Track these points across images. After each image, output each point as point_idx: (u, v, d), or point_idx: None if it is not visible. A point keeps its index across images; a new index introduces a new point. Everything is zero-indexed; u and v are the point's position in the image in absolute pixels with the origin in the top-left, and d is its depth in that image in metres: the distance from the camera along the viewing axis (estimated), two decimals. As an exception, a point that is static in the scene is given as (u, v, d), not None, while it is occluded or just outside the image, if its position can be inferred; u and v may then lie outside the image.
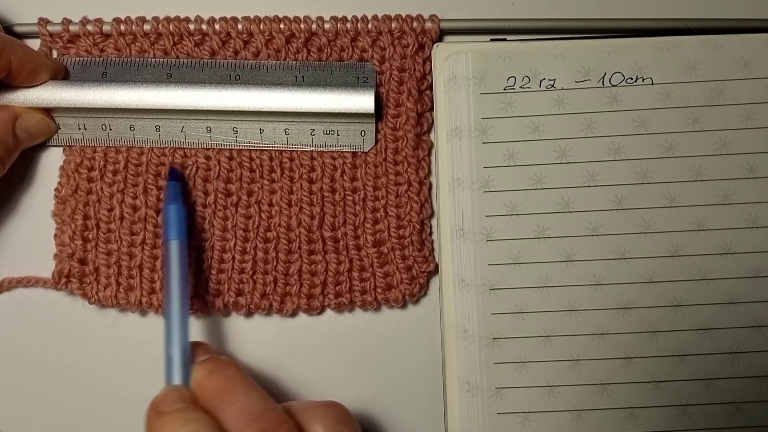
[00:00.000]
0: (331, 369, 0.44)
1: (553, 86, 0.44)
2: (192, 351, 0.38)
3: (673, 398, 0.42)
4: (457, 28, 0.46)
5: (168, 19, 0.45)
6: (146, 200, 0.44)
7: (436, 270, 0.44)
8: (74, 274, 0.43)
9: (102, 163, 0.45)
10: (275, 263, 0.44)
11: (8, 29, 0.45)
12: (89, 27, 0.45)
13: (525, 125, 0.43)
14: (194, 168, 0.45)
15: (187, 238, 0.41)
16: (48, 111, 0.44)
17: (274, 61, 0.45)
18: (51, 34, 0.45)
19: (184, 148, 0.45)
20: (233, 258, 0.44)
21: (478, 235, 0.43)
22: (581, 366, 0.42)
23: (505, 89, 0.44)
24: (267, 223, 0.44)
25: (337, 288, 0.44)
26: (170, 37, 0.45)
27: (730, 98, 0.43)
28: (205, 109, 0.44)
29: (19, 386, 0.44)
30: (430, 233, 0.45)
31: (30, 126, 0.43)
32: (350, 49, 0.45)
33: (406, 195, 0.44)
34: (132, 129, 0.44)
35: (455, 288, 0.43)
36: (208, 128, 0.44)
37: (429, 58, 0.45)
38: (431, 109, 0.45)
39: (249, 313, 0.44)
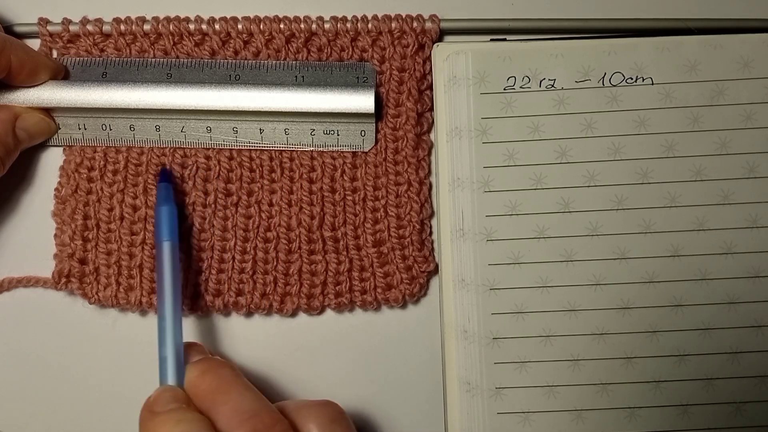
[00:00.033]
0: (331, 369, 0.44)
1: (553, 86, 0.44)
2: (186, 351, 0.38)
3: (673, 398, 0.42)
4: (457, 28, 0.46)
5: (168, 19, 0.45)
6: (146, 200, 0.44)
7: (436, 270, 0.44)
8: (74, 274, 0.43)
9: (102, 163, 0.45)
10: (275, 263, 0.44)
11: (8, 29, 0.45)
12: (89, 27, 0.45)
13: (525, 125, 0.43)
14: (194, 168, 0.45)
15: (178, 238, 0.41)
16: (48, 111, 0.44)
17: (274, 61, 0.45)
18: (51, 34, 0.45)
19: (184, 148, 0.45)
20: (233, 258, 0.44)
21: (478, 235, 0.43)
22: (581, 366, 0.42)
23: (505, 89, 0.44)
24: (267, 223, 0.44)
25: (337, 288, 0.44)
26: (170, 37, 0.45)
27: (730, 98, 0.43)
28: (205, 109, 0.44)
29: (19, 386, 0.44)
30: (430, 233, 0.45)
31: (30, 126, 0.43)
32: (350, 49, 0.45)
33: (406, 195, 0.44)
34: (132, 129, 0.44)
35: (455, 288, 0.43)
36: (208, 128, 0.44)
37: (429, 58, 0.45)
38: (431, 109, 0.45)
39: (249, 313, 0.44)
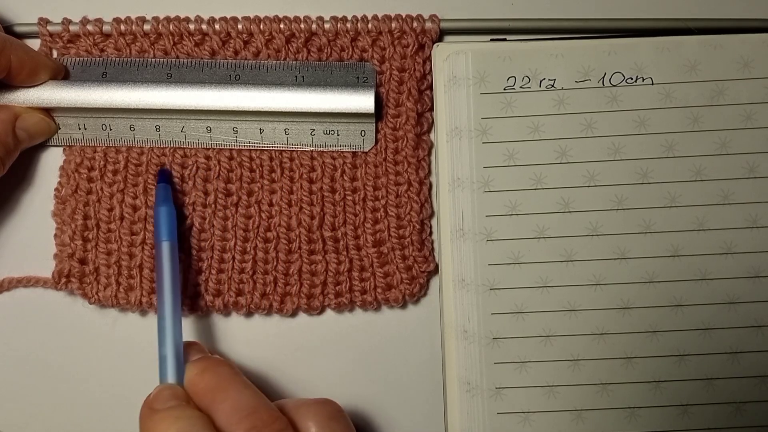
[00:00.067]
0: (331, 369, 0.44)
1: (553, 86, 0.44)
2: (185, 350, 0.39)
3: (673, 398, 0.42)
4: (457, 28, 0.46)
5: (168, 19, 0.45)
6: (146, 200, 0.44)
7: (436, 270, 0.44)
8: (74, 274, 0.43)
9: (102, 163, 0.45)
10: (275, 263, 0.44)
11: (8, 29, 0.45)
12: (89, 27, 0.45)
13: (525, 125, 0.43)
14: (194, 168, 0.45)
15: (178, 239, 0.42)
16: (48, 111, 0.44)
17: (274, 61, 0.45)
18: (51, 34, 0.45)
19: (184, 148, 0.45)
20: (233, 258, 0.44)
21: (478, 235, 0.43)
22: (581, 366, 0.42)
23: (505, 89, 0.44)
24: (267, 223, 0.44)
25: (337, 288, 0.44)
26: (170, 37, 0.45)
27: (730, 98, 0.43)
28: (205, 109, 0.44)
29: (19, 386, 0.44)
30: (430, 233, 0.45)
31: (30, 126, 0.43)
32: (350, 49, 0.45)
33: (406, 195, 0.44)
34: (132, 129, 0.44)
35: (455, 288, 0.43)
36: (208, 128, 0.44)
37: (429, 58, 0.45)
38: (431, 109, 0.45)
39: (249, 313, 0.44)
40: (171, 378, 0.37)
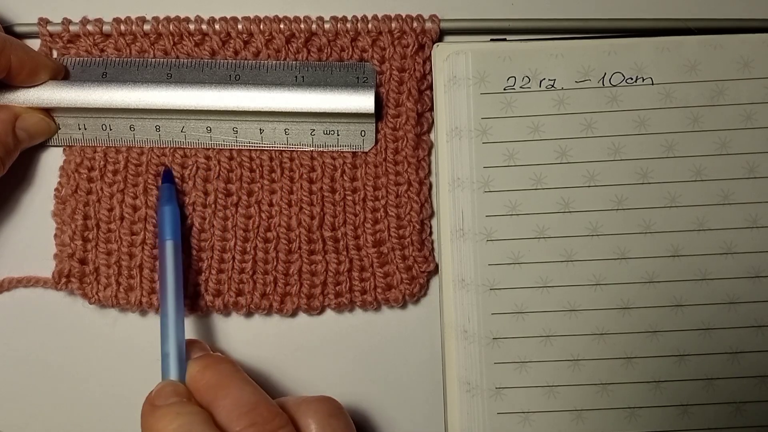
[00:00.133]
0: (331, 369, 0.44)
1: (553, 86, 0.44)
2: (187, 348, 0.39)
3: (673, 398, 0.42)
4: (457, 28, 0.46)
5: (168, 19, 0.45)
6: (146, 200, 0.44)
7: (436, 270, 0.44)
8: (74, 274, 0.43)
9: (102, 163, 0.45)
10: (275, 263, 0.44)
11: (8, 29, 0.45)
12: (89, 27, 0.45)
13: (525, 125, 0.43)
14: (194, 168, 0.45)
15: (181, 238, 0.42)
16: (48, 111, 0.44)
17: (274, 61, 0.45)
18: (51, 34, 0.45)
19: (184, 148, 0.45)
20: (233, 258, 0.44)
21: (478, 235, 0.43)
22: (581, 366, 0.42)
23: (505, 89, 0.44)
24: (267, 223, 0.44)
25: (337, 288, 0.44)
26: (170, 37, 0.45)
27: (730, 98, 0.43)
28: (205, 109, 0.44)
29: (19, 386, 0.44)
30: (430, 233, 0.45)
31: (30, 126, 0.43)
32: (350, 49, 0.45)
33: (406, 195, 0.44)
34: (132, 129, 0.44)
35: (455, 288, 0.43)
36: (208, 128, 0.44)
37: (429, 58, 0.45)
38: (431, 109, 0.45)
39: (249, 313, 0.44)
40: (173, 375, 0.38)
